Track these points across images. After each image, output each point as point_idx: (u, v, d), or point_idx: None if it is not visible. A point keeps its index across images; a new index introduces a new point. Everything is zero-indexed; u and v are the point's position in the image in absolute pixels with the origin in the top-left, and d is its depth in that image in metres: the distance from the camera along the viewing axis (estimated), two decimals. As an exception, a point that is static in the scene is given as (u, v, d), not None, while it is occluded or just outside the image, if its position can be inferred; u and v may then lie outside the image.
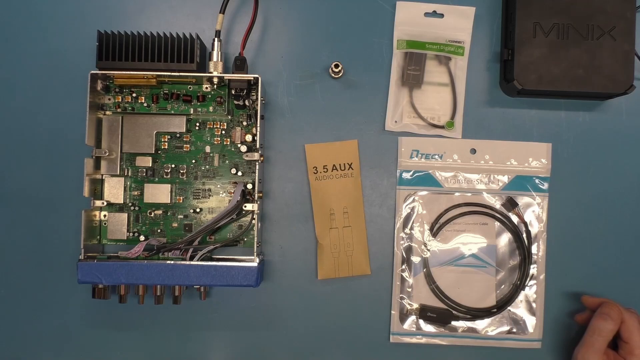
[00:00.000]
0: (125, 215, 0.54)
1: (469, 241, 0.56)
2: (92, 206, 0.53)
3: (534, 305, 0.56)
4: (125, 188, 0.54)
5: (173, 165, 0.55)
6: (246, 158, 0.53)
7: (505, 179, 0.56)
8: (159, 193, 0.54)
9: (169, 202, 0.54)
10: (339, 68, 0.54)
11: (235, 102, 0.53)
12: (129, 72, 0.51)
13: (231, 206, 0.52)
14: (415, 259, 0.56)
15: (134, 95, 0.54)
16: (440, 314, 0.55)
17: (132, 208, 0.54)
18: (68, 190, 0.55)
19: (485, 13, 0.57)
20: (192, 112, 0.54)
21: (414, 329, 0.55)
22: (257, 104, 0.52)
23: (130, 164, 0.55)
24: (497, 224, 0.56)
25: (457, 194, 0.56)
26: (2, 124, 0.56)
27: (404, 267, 0.56)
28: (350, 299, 0.56)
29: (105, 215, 0.54)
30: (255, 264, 0.51)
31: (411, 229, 0.56)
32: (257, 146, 0.52)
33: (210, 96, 0.54)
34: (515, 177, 0.56)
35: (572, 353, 0.52)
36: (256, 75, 0.51)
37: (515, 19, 0.54)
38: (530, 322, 0.56)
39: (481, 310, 0.55)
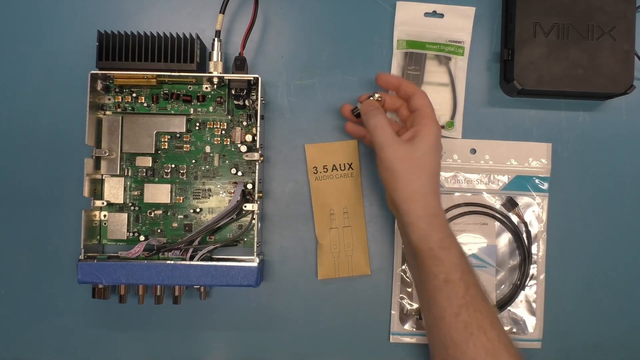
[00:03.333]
0: (125, 215, 0.54)
1: (469, 241, 0.56)
2: (92, 206, 0.53)
3: (534, 305, 0.56)
4: (125, 188, 0.54)
5: (173, 165, 0.55)
6: (246, 158, 0.53)
7: (505, 179, 0.56)
8: (159, 193, 0.54)
9: (169, 202, 0.54)
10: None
11: (235, 102, 0.53)
12: (129, 72, 0.51)
13: (231, 206, 0.52)
14: (415, 259, 0.56)
15: (134, 95, 0.54)
16: (440, 314, 0.55)
17: (132, 208, 0.54)
18: (68, 190, 0.55)
19: (485, 13, 0.57)
20: (192, 112, 0.54)
21: (414, 329, 0.55)
22: (257, 104, 0.52)
23: (130, 164, 0.55)
24: (497, 224, 0.56)
25: (457, 194, 0.56)
26: (2, 124, 0.56)
27: (404, 267, 0.56)
28: (350, 299, 0.56)
29: (105, 215, 0.54)
30: (255, 264, 0.51)
31: (411, 229, 0.56)
32: (257, 146, 0.52)
33: (210, 96, 0.54)
34: (515, 177, 0.56)
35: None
36: (256, 75, 0.51)
37: (515, 19, 0.54)
38: (530, 322, 0.56)
39: (481, 310, 0.55)
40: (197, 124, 0.55)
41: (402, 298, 0.56)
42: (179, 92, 0.54)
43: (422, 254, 0.47)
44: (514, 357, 0.45)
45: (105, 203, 0.54)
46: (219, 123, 0.55)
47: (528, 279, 0.56)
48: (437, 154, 0.48)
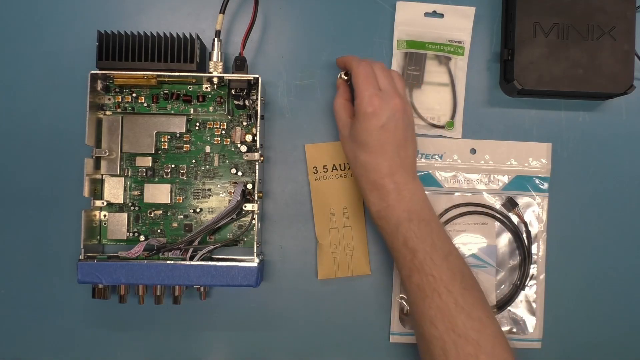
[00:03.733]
0: (125, 215, 0.54)
1: (469, 241, 0.56)
2: (92, 206, 0.53)
3: (534, 305, 0.56)
4: (125, 188, 0.54)
5: (173, 165, 0.55)
6: (246, 158, 0.53)
7: (505, 179, 0.56)
8: (159, 193, 0.54)
9: (169, 202, 0.54)
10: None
11: (235, 102, 0.53)
12: (129, 72, 0.51)
13: (231, 206, 0.52)
14: (415, 259, 0.56)
15: (134, 95, 0.54)
16: (440, 314, 0.55)
17: (132, 208, 0.54)
18: (68, 190, 0.55)
19: (485, 13, 0.57)
20: (192, 112, 0.54)
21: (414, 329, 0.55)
22: (257, 104, 0.52)
23: (130, 164, 0.55)
24: (497, 224, 0.56)
25: (457, 194, 0.56)
26: (2, 124, 0.56)
27: (404, 267, 0.56)
28: (350, 299, 0.56)
29: (105, 215, 0.54)
30: (255, 264, 0.51)
31: (411, 229, 0.56)
32: (257, 146, 0.52)
33: (210, 96, 0.54)
34: (515, 177, 0.56)
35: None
36: (256, 75, 0.51)
37: (515, 19, 0.54)
38: (530, 322, 0.56)
39: (481, 310, 0.55)
40: (197, 124, 0.55)
41: (402, 298, 0.56)
42: (179, 92, 0.54)
43: (374, 222, 0.50)
44: (477, 321, 0.45)
45: (105, 203, 0.54)
46: (219, 123, 0.55)
47: (528, 279, 0.56)
48: (373, 130, 0.48)
